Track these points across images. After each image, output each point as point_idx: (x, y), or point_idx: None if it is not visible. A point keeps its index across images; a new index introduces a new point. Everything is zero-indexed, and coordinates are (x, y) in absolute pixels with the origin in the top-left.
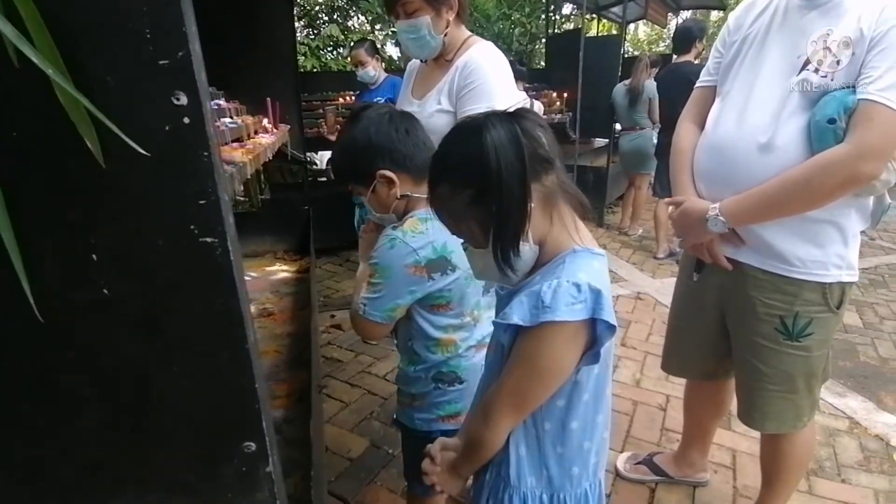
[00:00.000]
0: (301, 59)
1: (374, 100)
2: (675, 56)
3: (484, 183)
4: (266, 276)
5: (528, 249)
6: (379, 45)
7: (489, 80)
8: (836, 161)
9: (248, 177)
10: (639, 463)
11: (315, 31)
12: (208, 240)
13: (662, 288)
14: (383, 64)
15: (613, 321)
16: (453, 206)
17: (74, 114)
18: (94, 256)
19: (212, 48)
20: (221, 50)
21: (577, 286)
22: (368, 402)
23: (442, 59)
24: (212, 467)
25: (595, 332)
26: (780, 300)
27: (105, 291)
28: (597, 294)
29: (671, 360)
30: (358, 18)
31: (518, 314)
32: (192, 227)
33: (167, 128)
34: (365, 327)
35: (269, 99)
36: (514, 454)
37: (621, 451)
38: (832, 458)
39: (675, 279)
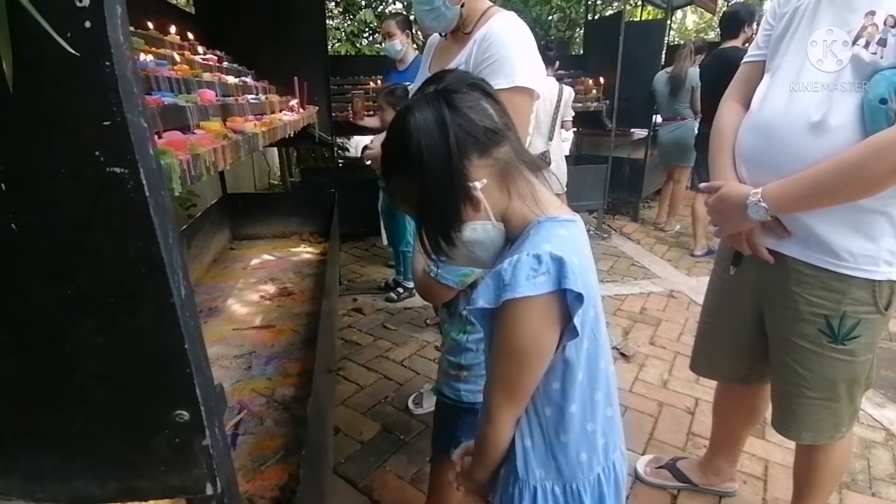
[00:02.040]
0: (336, 44)
1: (404, 83)
2: (721, 42)
3: (414, 169)
4: (290, 256)
5: (490, 228)
6: (415, 31)
7: (510, 52)
8: (889, 144)
9: (259, 149)
10: (661, 467)
11: (351, 17)
12: (117, 170)
13: (698, 286)
14: (415, 44)
15: (580, 289)
16: (408, 196)
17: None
18: (2, 185)
19: (244, 31)
20: (253, 32)
21: (538, 257)
22: (384, 386)
23: (460, 33)
24: (140, 436)
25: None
26: (827, 298)
27: (13, 226)
28: (559, 263)
29: (701, 359)
30: (396, 5)
31: (484, 297)
32: (97, 153)
33: (68, 34)
34: (434, 289)
35: (296, 79)
36: (521, 446)
37: (643, 454)
38: (865, 471)
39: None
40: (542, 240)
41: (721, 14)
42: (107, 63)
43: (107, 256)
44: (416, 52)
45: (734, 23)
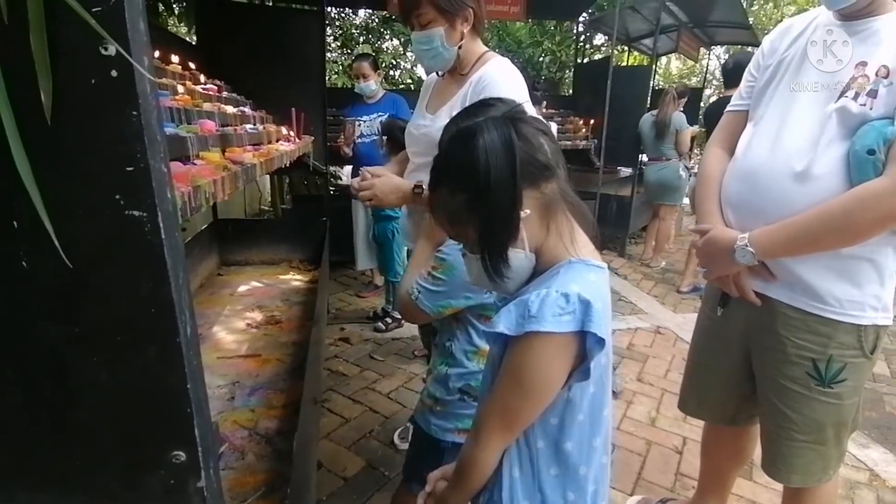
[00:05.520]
0: (334, 77)
1: (372, 115)
2: (725, 89)
3: (474, 187)
4: (278, 283)
5: (523, 258)
6: (409, 66)
7: (503, 94)
8: (875, 195)
9: (256, 179)
10: None
11: (349, 52)
12: (135, 213)
13: (684, 323)
14: (382, 80)
15: (603, 334)
16: (450, 211)
17: (39, 57)
18: (14, 223)
19: (245, 61)
20: (253, 63)
21: (566, 296)
22: (369, 419)
23: (457, 74)
24: (135, 475)
25: (586, 346)
26: (813, 342)
27: (24, 263)
28: (586, 305)
29: (689, 398)
30: (392, 41)
31: (504, 322)
32: (117, 196)
33: (93, 81)
34: (412, 311)
35: (293, 109)
36: (508, 476)
37: (631, 494)
38: None
39: (697, 314)
40: (570, 280)
41: (724, 64)
42: (133, 113)
43: (118, 295)
44: (384, 90)
45: (737, 72)
